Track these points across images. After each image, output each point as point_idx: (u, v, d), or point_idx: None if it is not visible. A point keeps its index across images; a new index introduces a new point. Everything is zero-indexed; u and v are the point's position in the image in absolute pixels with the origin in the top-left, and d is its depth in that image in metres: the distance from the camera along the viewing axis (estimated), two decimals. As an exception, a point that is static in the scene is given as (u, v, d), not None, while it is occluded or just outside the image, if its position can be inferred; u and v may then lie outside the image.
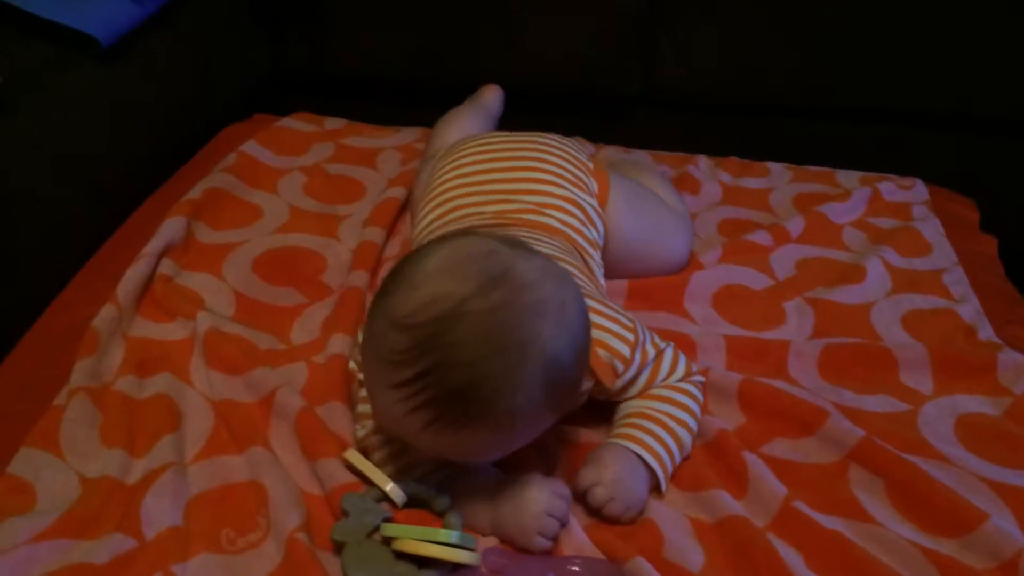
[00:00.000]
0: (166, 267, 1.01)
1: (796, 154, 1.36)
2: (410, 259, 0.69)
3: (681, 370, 0.84)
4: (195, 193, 1.13)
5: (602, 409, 0.84)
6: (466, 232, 0.71)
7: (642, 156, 1.34)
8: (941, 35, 1.37)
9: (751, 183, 1.29)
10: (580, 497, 0.76)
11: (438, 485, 0.75)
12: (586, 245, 0.95)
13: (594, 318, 0.77)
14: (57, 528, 0.71)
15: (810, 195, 1.26)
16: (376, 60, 1.51)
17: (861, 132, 1.48)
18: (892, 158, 1.37)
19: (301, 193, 1.20)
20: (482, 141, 1.03)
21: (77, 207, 1.07)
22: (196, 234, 1.09)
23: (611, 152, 1.33)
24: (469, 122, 1.25)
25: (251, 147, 1.28)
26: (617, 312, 0.82)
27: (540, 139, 1.03)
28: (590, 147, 1.07)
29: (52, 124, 1.05)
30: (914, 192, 1.27)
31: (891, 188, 1.27)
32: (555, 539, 0.72)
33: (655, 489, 0.78)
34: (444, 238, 0.71)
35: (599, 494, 0.74)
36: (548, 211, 0.94)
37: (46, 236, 1.02)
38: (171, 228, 1.05)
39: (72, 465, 0.78)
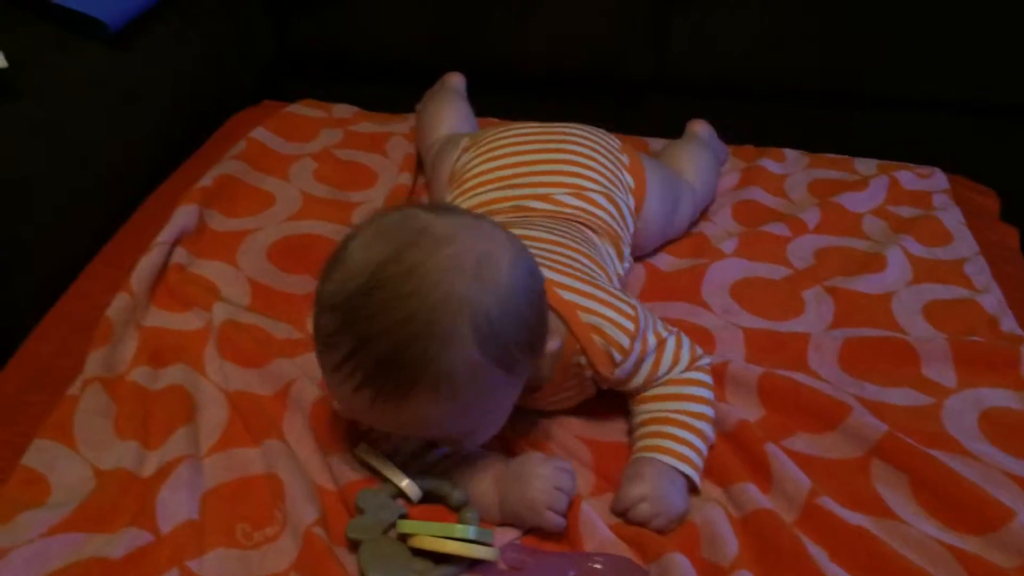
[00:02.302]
0: (180, 256, 1.00)
1: (812, 141, 1.34)
2: (340, 243, 0.69)
3: (685, 358, 0.82)
4: (206, 180, 1.12)
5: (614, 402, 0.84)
6: (395, 207, 0.71)
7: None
8: (963, 20, 1.35)
9: (768, 165, 1.28)
10: (621, 513, 0.75)
11: (446, 474, 0.75)
12: (618, 235, 0.95)
13: (592, 305, 0.77)
14: (71, 521, 0.71)
15: (826, 182, 1.24)
16: (386, 44, 1.50)
17: (879, 119, 1.46)
18: (911, 147, 1.34)
19: (312, 179, 1.19)
20: (515, 132, 1.03)
21: (84, 193, 1.06)
22: (209, 222, 1.08)
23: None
24: (457, 110, 1.25)
25: (260, 133, 1.26)
26: (619, 299, 0.80)
27: (574, 131, 1.03)
28: (616, 140, 1.05)
29: (58, 108, 1.04)
30: (933, 181, 1.25)
31: (910, 177, 1.25)
32: (565, 515, 0.72)
33: (691, 489, 0.77)
34: (372, 215, 0.71)
35: (645, 510, 0.73)
36: (586, 205, 0.94)
37: (52, 223, 1.00)
38: (184, 216, 1.04)
39: (86, 457, 0.77)
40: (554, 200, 0.94)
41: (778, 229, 1.12)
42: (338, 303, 0.65)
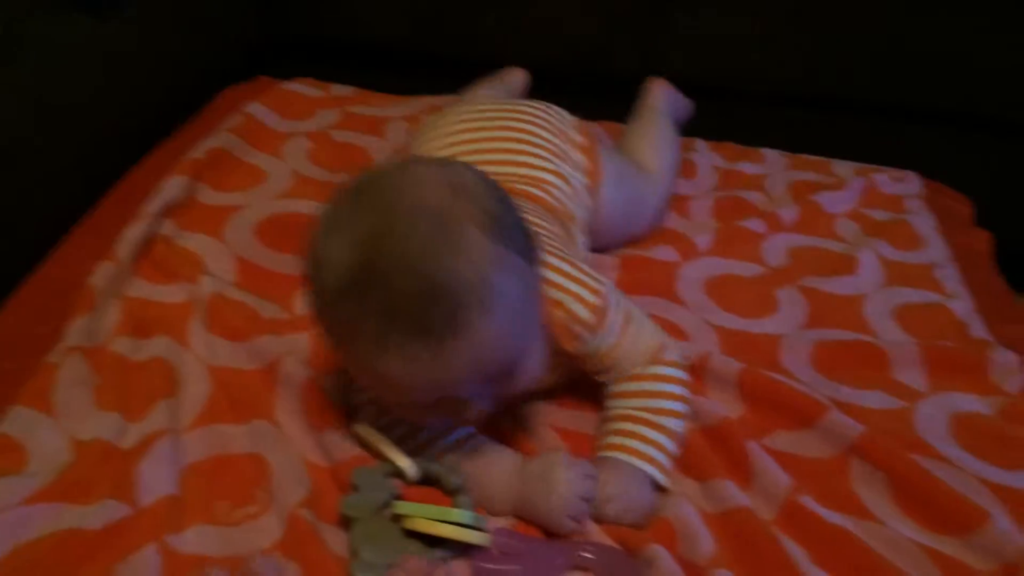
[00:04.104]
0: (166, 227, 0.99)
1: (793, 142, 1.35)
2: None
3: (652, 343, 0.80)
4: (198, 152, 1.11)
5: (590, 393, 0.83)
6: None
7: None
8: (944, 31, 1.36)
9: (747, 168, 1.28)
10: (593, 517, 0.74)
11: (452, 466, 0.73)
12: (571, 213, 0.94)
13: (556, 278, 0.76)
14: (50, 491, 0.70)
15: (805, 183, 1.25)
16: (377, 27, 1.48)
17: (859, 124, 1.46)
18: (888, 151, 1.35)
19: (305, 159, 1.18)
20: (473, 112, 1.01)
21: (68, 160, 1.04)
22: (198, 194, 1.06)
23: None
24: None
25: (256, 109, 1.25)
26: (585, 275, 0.78)
27: (529, 110, 1.01)
28: (570, 116, 1.05)
29: (41, 75, 1.01)
30: (908, 185, 1.27)
31: (885, 180, 1.26)
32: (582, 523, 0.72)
33: (660, 487, 0.76)
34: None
35: (611, 510, 0.72)
36: (541, 185, 0.93)
37: (36, 189, 0.98)
38: (173, 187, 1.03)
39: (65, 426, 0.76)
40: (511, 179, 0.91)
41: (755, 225, 1.12)
42: (345, 280, 0.61)
